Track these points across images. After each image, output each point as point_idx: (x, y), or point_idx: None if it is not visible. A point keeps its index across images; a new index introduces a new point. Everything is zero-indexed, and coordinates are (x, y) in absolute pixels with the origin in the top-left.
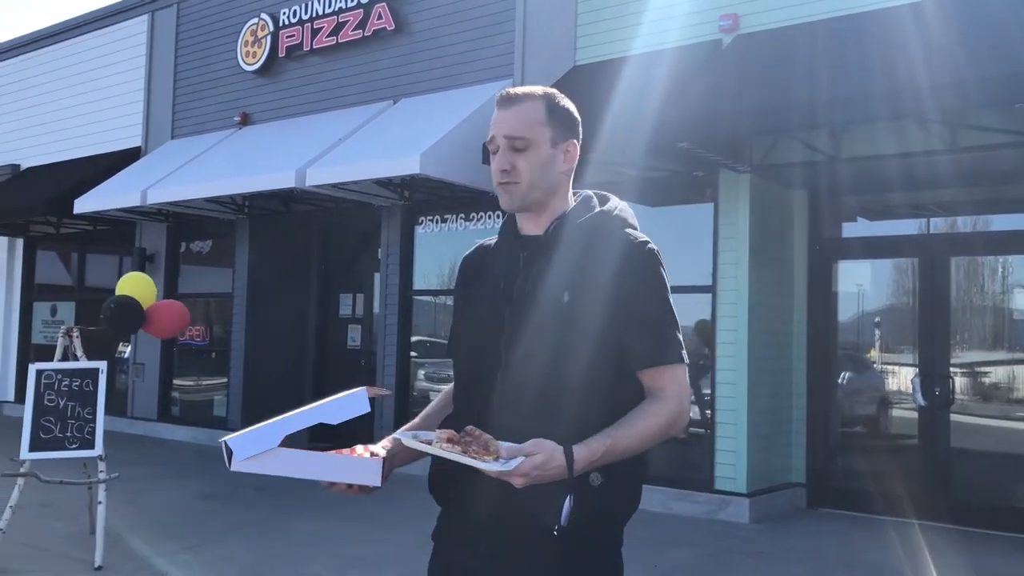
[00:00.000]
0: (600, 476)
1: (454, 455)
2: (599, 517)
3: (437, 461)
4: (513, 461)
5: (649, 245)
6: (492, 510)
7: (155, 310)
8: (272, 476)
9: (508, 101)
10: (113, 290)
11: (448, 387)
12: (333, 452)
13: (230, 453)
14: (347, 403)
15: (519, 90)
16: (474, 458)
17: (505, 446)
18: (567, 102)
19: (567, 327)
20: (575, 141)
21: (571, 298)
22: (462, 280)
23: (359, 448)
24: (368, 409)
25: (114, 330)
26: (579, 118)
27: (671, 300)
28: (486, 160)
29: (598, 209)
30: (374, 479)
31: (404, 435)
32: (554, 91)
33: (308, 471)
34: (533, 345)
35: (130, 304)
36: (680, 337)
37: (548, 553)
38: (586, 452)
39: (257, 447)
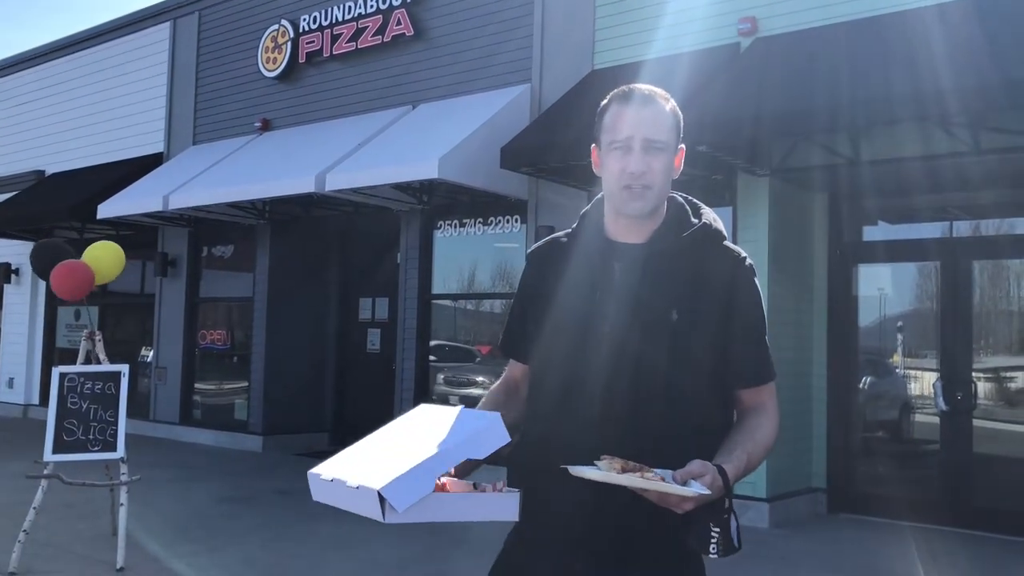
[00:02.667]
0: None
1: (640, 481)
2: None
3: (518, 471)
4: (695, 484)
5: (748, 261)
6: (593, 514)
7: (62, 268)
8: (297, 480)
9: (645, 100)
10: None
11: (498, 383)
12: (466, 489)
13: (382, 502)
14: (487, 434)
15: (648, 89)
16: (658, 481)
17: (662, 472)
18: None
19: (677, 345)
20: (683, 147)
21: (679, 315)
22: (536, 278)
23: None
24: (508, 439)
25: (35, 266)
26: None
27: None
28: (505, 165)
29: (699, 223)
30: (512, 513)
31: (574, 468)
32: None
33: (453, 514)
34: (641, 363)
35: (56, 248)
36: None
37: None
38: (733, 469)
39: (413, 495)
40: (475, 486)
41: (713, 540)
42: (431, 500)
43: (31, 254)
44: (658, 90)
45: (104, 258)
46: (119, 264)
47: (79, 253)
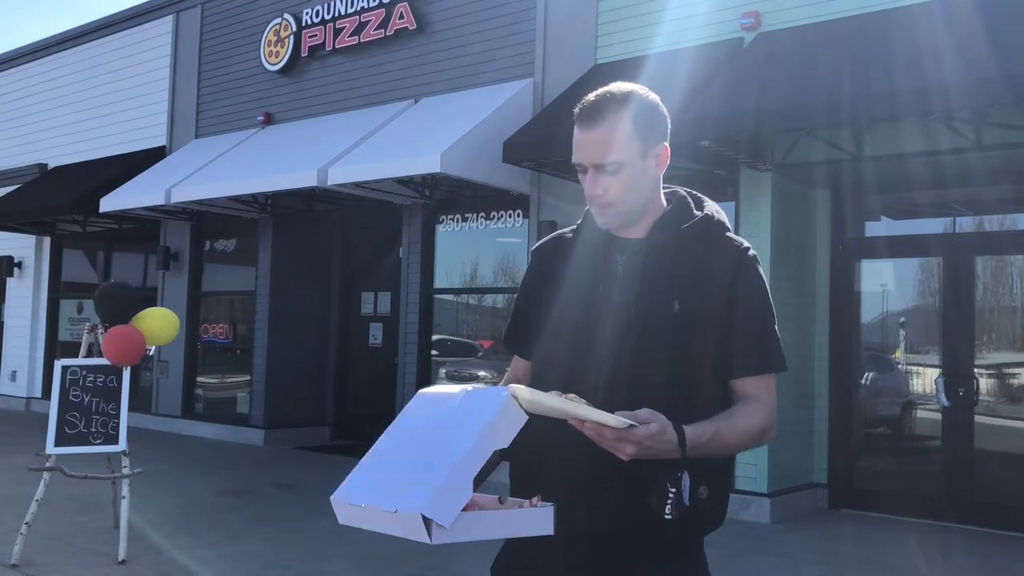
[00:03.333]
0: (707, 490)
1: (579, 408)
2: (702, 530)
3: (518, 464)
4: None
5: (751, 251)
6: (592, 506)
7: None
8: (299, 473)
9: (592, 122)
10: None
11: (503, 383)
12: (492, 501)
13: (427, 523)
14: (504, 416)
15: (600, 105)
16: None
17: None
18: (650, 101)
19: (680, 336)
20: (664, 143)
21: (682, 307)
22: (540, 273)
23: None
24: (526, 416)
25: (102, 311)
26: (666, 112)
27: (773, 307)
28: (507, 159)
29: (700, 215)
30: (547, 528)
31: (519, 388)
32: (636, 91)
33: (492, 531)
34: (644, 354)
35: (124, 295)
36: (781, 345)
37: (661, 565)
38: (694, 433)
39: (456, 506)
40: (501, 501)
41: (669, 501)
42: (470, 517)
43: (96, 298)
44: (615, 93)
45: (158, 331)
46: (173, 332)
47: (92, 253)
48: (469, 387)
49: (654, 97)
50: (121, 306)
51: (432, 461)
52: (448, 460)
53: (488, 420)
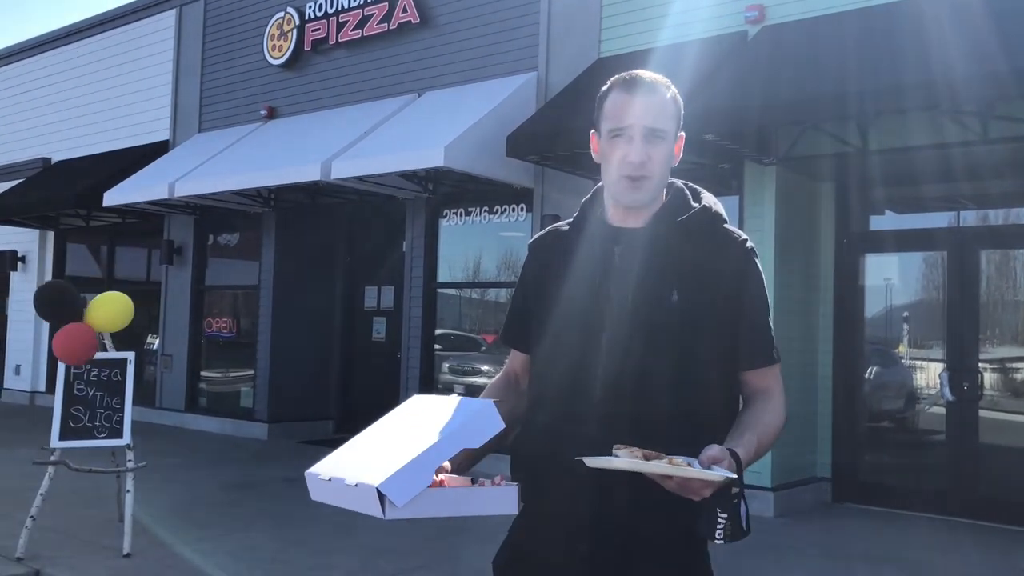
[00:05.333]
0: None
1: (669, 468)
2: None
3: (523, 463)
4: (718, 468)
5: (749, 243)
6: (598, 505)
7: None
8: (303, 468)
9: (647, 88)
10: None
11: (499, 377)
12: (465, 484)
13: (382, 499)
14: (480, 421)
15: (650, 76)
16: (683, 467)
17: (682, 459)
18: (677, 92)
19: (677, 326)
20: (683, 134)
21: (680, 297)
22: (536, 267)
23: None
24: (503, 425)
25: (44, 312)
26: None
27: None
28: (510, 153)
29: (698, 206)
30: (512, 507)
31: (591, 460)
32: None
33: (452, 508)
34: (641, 343)
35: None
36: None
37: (665, 562)
38: (744, 454)
39: (412, 489)
40: (473, 481)
41: (720, 526)
42: (430, 495)
43: (34, 298)
44: (659, 77)
45: (109, 321)
46: (126, 318)
47: (96, 247)
48: (460, 396)
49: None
50: (66, 308)
51: (402, 449)
52: (415, 449)
53: (462, 421)
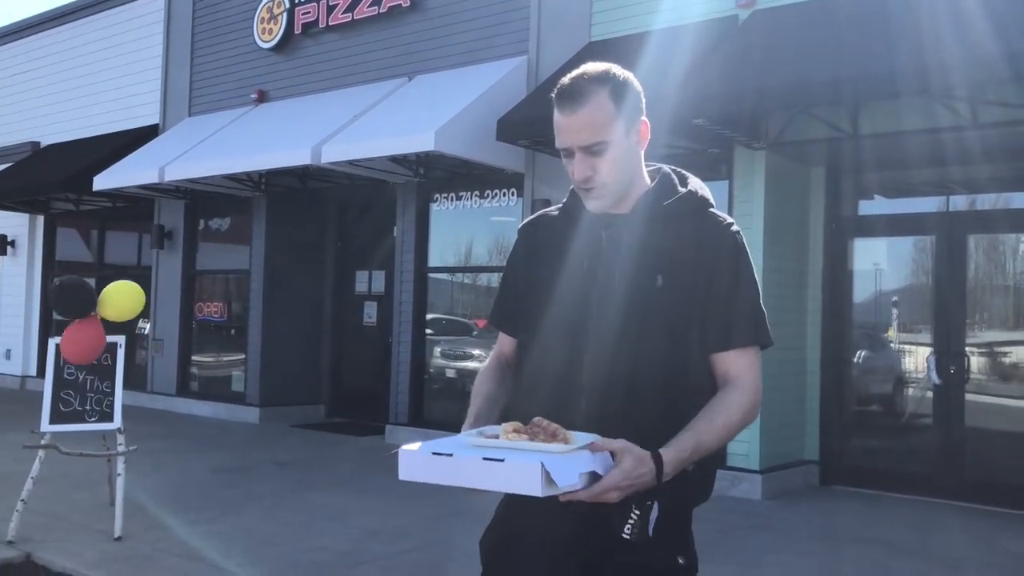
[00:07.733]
0: (693, 465)
1: (521, 443)
2: (686, 506)
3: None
4: (585, 458)
5: (735, 227)
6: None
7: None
8: (294, 451)
9: (575, 103)
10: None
11: (490, 361)
12: (494, 456)
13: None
14: (518, 475)
15: (580, 84)
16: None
17: (577, 436)
18: (625, 77)
19: (662, 310)
20: (643, 119)
21: (665, 281)
22: (526, 250)
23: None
24: (540, 493)
25: (61, 309)
26: (640, 88)
27: (757, 282)
28: (501, 137)
29: (684, 190)
30: (535, 488)
31: (469, 436)
32: (611, 69)
33: (473, 480)
34: (627, 327)
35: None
36: (766, 320)
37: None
38: (674, 455)
39: (430, 449)
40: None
41: (630, 522)
42: (450, 462)
43: (56, 298)
44: (593, 73)
45: (122, 312)
46: (138, 306)
47: (86, 232)
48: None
49: (628, 73)
50: (83, 304)
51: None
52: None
53: (500, 463)
